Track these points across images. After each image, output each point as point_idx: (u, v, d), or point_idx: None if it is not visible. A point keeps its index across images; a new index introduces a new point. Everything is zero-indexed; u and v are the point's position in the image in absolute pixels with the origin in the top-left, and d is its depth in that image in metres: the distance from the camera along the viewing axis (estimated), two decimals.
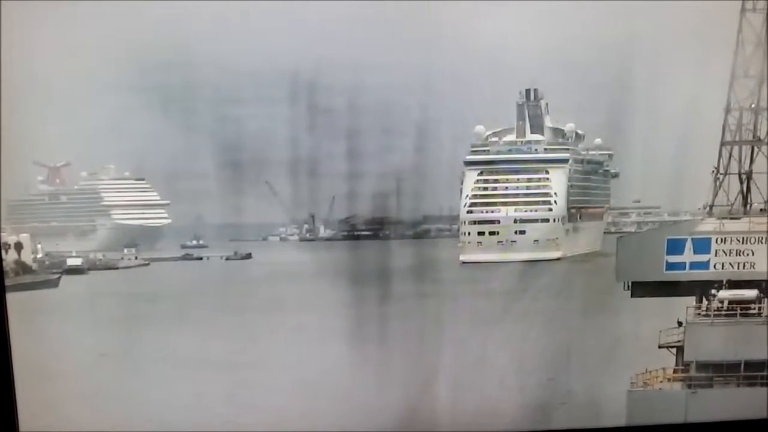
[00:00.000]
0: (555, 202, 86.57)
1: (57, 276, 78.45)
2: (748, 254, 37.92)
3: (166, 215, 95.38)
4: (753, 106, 40.52)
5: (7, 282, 65.41)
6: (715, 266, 38.18)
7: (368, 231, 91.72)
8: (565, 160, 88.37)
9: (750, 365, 36.89)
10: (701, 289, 38.92)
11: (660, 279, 38.32)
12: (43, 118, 71.10)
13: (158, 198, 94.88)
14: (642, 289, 39.01)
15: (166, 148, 77.01)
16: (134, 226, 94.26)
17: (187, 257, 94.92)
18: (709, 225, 39.16)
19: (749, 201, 40.96)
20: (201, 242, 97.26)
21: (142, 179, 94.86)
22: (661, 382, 38.16)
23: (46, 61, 62.75)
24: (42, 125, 72.84)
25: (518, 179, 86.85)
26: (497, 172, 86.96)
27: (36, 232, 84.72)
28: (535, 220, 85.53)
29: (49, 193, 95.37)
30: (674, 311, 38.72)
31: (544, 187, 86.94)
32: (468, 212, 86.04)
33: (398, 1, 67.18)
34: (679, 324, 38.60)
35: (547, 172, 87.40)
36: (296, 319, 61.29)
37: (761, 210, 40.51)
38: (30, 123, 67.81)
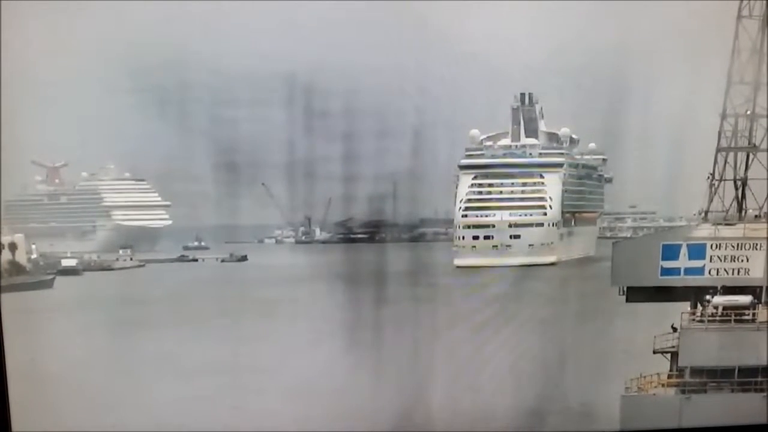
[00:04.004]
0: (550, 206, 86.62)
1: (51, 277, 78.34)
2: (742, 260, 37.98)
3: (166, 216, 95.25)
4: (748, 112, 40.59)
5: (2, 283, 65.37)
6: (709, 272, 38.23)
7: (364, 234, 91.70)
8: (559, 165, 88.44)
9: (744, 371, 36.97)
10: (696, 294, 38.98)
11: (655, 284, 38.36)
12: (41, 119, 71.06)
13: (159, 199, 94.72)
14: (637, 294, 39.03)
15: (163, 150, 76.99)
16: (134, 228, 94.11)
17: (182, 259, 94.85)
18: (704, 231, 39.23)
19: (744, 207, 41.04)
20: (202, 243, 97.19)
21: (143, 180, 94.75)
22: (655, 387, 38.22)
23: (44, 61, 62.71)
24: (40, 125, 72.78)
25: (513, 183, 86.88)
26: (492, 176, 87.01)
27: (35, 232, 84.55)
28: (530, 225, 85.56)
29: (48, 193, 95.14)
30: (669, 317, 38.79)
31: (539, 191, 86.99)
32: (463, 216, 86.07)
33: (394, 3, 67.24)
34: (674, 329, 38.65)
35: (541, 177, 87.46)
36: (290, 322, 61.26)
37: (756, 216, 40.58)
38: (28, 123, 67.76)
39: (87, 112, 73.99)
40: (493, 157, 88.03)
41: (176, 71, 66.95)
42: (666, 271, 38.11)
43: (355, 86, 69.96)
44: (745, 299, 38.14)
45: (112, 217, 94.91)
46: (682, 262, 38.11)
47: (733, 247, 38.07)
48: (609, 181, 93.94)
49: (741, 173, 40.85)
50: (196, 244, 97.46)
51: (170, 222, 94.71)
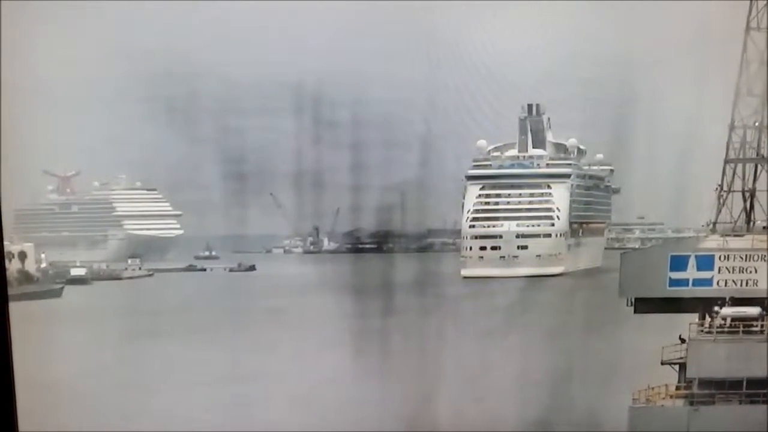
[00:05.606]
0: (557, 217, 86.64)
1: (60, 286, 78.58)
2: (751, 271, 37.84)
3: (178, 226, 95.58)
4: (757, 124, 40.55)
5: (10, 291, 65.53)
6: (718, 283, 38.08)
7: (372, 244, 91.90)
8: (567, 175, 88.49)
9: (752, 383, 36.79)
10: (704, 305, 38.80)
11: (663, 295, 38.21)
12: (52, 128, 71.44)
13: (170, 208, 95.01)
14: (645, 305, 38.86)
15: (173, 160, 77.36)
16: (146, 237, 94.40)
17: (191, 268, 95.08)
18: (712, 242, 39.10)
19: (752, 218, 40.96)
20: (213, 253, 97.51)
21: (154, 189, 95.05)
22: (663, 398, 38.05)
23: (56, 73, 63.10)
24: (51, 135, 73.19)
25: (520, 194, 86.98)
26: (499, 187, 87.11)
27: (46, 241, 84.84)
28: (538, 235, 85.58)
29: (59, 202, 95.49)
30: (677, 328, 38.69)
31: (547, 202, 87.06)
32: (470, 227, 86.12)
33: (403, 14, 67.53)
34: (682, 341, 38.53)
35: (549, 187, 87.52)
36: (297, 331, 61.26)
37: (764, 227, 40.49)
38: (40, 132, 68.12)
39: (99, 122, 74.41)
40: (500, 167, 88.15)
41: (187, 81, 67.29)
42: (674, 282, 37.98)
43: (364, 96, 70.31)
44: (754, 311, 37.97)
45: (124, 227, 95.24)
46: (691, 273, 37.99)
47: (741, 258, 37.94)
48: (616, 191, 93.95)
49: (749, 185, 40.78)
50: (206, 253, 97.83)
51: (182, 231, 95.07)
